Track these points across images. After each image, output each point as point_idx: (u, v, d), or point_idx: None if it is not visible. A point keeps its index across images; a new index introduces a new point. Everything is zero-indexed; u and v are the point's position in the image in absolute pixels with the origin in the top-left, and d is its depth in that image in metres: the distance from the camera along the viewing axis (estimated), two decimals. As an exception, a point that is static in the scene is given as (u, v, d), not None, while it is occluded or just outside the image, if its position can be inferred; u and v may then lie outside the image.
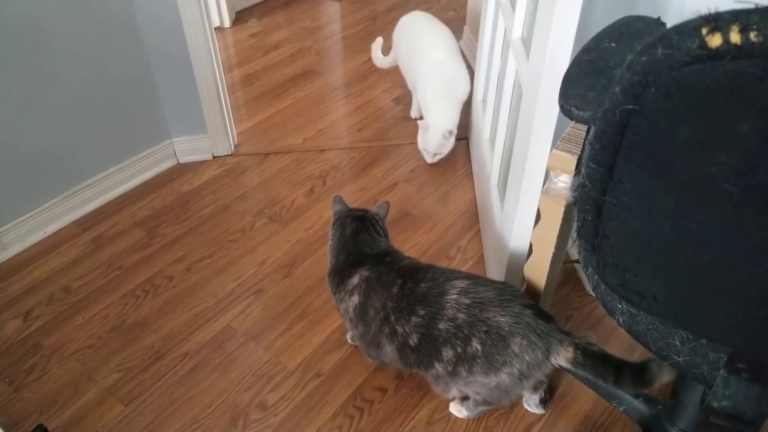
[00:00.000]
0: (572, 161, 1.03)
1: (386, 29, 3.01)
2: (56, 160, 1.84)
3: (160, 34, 1.88)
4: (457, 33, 2.66)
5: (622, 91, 0.67)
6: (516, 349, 1.14)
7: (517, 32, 1.39)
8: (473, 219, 1.91)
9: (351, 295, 1.30)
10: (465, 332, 1.16)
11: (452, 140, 2.04)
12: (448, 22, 2.28)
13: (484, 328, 1.15)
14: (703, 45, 0.57)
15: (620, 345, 1.48)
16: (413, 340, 1.22)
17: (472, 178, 2.07)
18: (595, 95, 0.92)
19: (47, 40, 1.68)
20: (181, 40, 1.90)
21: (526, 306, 1.16)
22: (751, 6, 0.54)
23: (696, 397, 1.11)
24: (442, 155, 2.07)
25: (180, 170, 2.14)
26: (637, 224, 0.77)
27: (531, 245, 1.24)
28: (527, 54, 1.27)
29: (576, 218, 0.93)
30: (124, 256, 1.80)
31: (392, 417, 1.38)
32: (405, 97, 2.46)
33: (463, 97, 2.09)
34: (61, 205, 1.89)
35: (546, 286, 1.27)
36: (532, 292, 1.29)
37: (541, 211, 1.14)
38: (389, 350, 1.28)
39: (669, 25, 0.62)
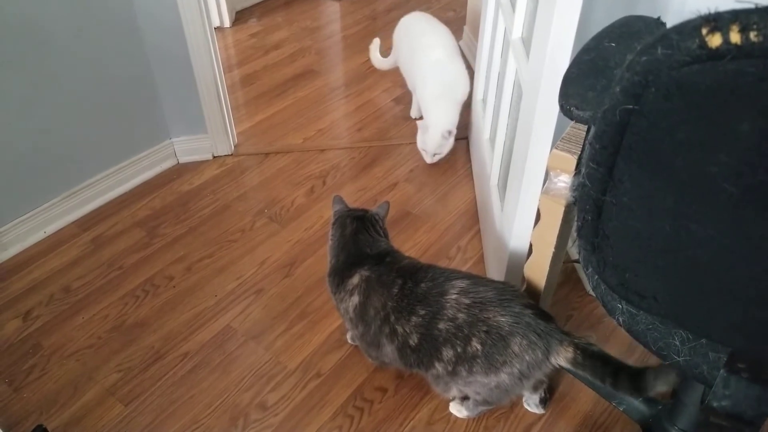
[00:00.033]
0: (572, 161, 1.03)
1: (386, 29, 3.01)
2: (56, 160, 1.84)
3: (160, 34, 1.89)
4: (457, 33, 2.66)
5: (622, 91, 0.67)
6: (516, 348, 1.14)
7: (517, 32, 1.39)
8: (473, 219, 1.91)
9: (351, 295, 1.30)
10: (465, 332, 1.16)
11: (451, 140, 2.04)
12: (448, 22, 2.28)
13: (484, 328, 1.15)
14: (703, 45, 0.57)
15: (620, 345, 1.48)
16: (413, 340, 1.22)
17: (472, 178, 2.07)
18: (595, 95, 0.92)
19: (47, 40, 1.68)
20: (181, 40, 1.90)
21: (526, 306, 1.16)
22: (751, 6, 0.54)
23: (696, 396, 1.11)
24: (442, 155, 2.07)
25: (180, 170, 2.14)
26: (637, 224, 0.77)
27: (531, 245, 1.24)
28: (527, 54, 1.27)
29: (576, 218, 0.93)
30: (124, 256, 1.80)
31: (392, 417, 1.38)
32: (405, 97, 2.46)
33: (463, 97, 2.09)
34: (61, 205, 1.89)
35: (546, 286, 1.27)
36: (532, 291, 1.29)
37: (541, 211, 1.14)
38: (389, 350, 1.28)
39: (669, 25, 0.62)
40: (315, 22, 3.15)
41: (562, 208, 1.09)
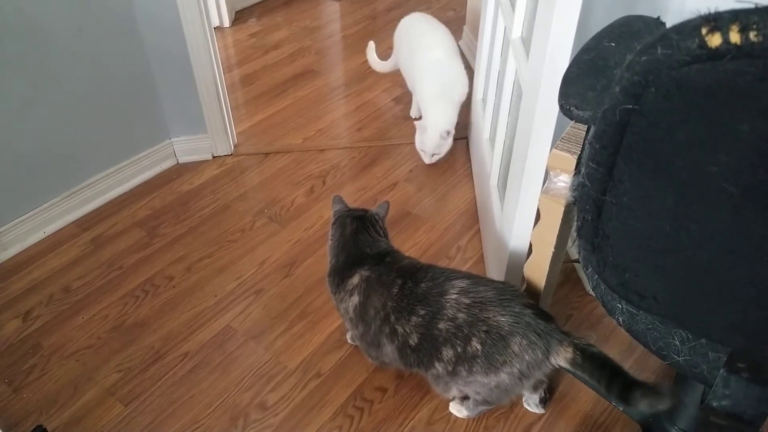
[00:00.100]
0: (572, 161, 1.03)
1: (386, 29, 3.01)
2: (56, 160, 1.84)
3: (159, 34, 1.88)
4: (457, 32, 2.67)
5: (622, 90, 0.67)
6: (516, 348, 1.14)
7: (516, 32, 1.39)
8: (473, 219, 1.91)
9: (351, 295, 1.30)
10: (465, 332, 1.16)
11: (450, 140, 2.04)
12: (447, 22, 2.28)
13: (484, 328, 1.15)
14: (703, 45, 0.57)
15: (620, 345, 1.48)
16: (413, 339, 1.22)
17: (472, 178, 2.07)
18: (594, 95, 0.92)
19: (47, 40, 1.68)
20: (180, 40, 1.90)
21: (526, 306, 1.16)
22: (751, 6, 0.54)
23: (696, 396, 1.11)
24: (440, 155, 2.07)
25: (180, 170, 2.14)
26: (637, 224, 0.77)
27: (531, 245, 1.24)
28: (527, 53, 1.27)
29: (576, 218, 0.93)
30: (124, 256, 1.80)
31: (392, 417, 1.38)
32: (405, 97, 2.46)
33: (461, 98, 2.10)
34: (61, 205, 1.89)
35: (546, 286, 1.27)
36: (532, 291, 1.29)
37: (540, 211, 1.14)
38: (389, 350, 1.28)
39: (669, 24, 0.62)
40: (315, 21, 3.15)
41: (562, 208, 1.09)
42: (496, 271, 1.56)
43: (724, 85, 0.59)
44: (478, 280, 1.22)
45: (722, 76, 0.58)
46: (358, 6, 3.29)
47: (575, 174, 1.04)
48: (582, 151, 1.02)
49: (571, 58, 1.04)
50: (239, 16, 3.17)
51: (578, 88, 0.95)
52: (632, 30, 1.05)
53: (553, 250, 1.18)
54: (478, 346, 1.15)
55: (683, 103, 0.63)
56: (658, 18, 1.07)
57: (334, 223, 1.40)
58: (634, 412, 1.30)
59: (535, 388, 1.32)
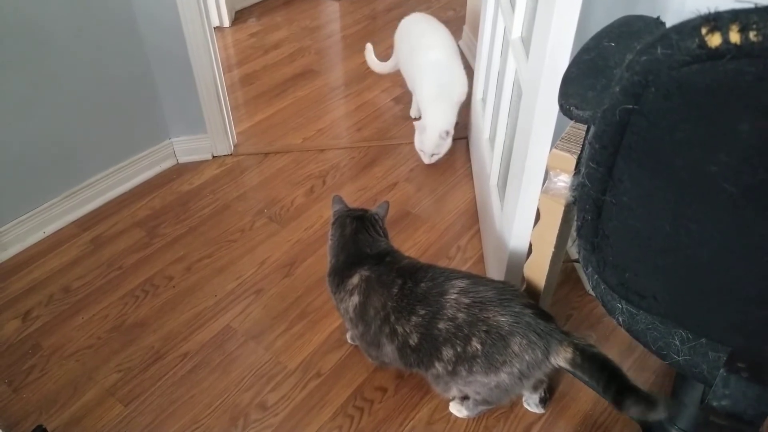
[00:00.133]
0: (572, 161, 1.03)
1: (386, 29, 3.01)
2: (56, 160, 1.84)
3: (159, 33, 1.88)
4: (457, 32, 2.67)
5: (621, 90, 0.67)
6: (516, 348, 1.14)
7: (516, 32, 1.39)
8: (473, 218, 1.91)
9: (351, 294, 1.30)
10: (465, 332, 1.16)
11: (449, 141, 2.04)
12: (447, 22, 2.28)
13: (484, 328, 1.15)
14: (703, 45, 0.57)
15: (620, 344, 1.48)
16: (413, 339, 1.22)
17: (472, 178, 2.07)
18: (594, 95, 0.92)
19: (47, 40, 1.68)
20: (180, 39, 1.90)
21: (526, 305, 1.16)
22: (751, 5, 0.54)
23: (696, 396, 1.11)
24: (440, 156, 2.07)
25: (180, 170, 2.14)
26: (637, 224, 0.77)
27: (531, 245, 1.24)
28: (527, 53, 1.27)
29: (576, 218, 0.93)
30: (123, 256, 1.80)
31: (392, 417, 1.38)
32: (404, 97, 2.46)
33: (460, 99, 2.10)
34: (61, 205, 1.89)
35: (546, 286, 1.27)
36: (531, 291, 1.29)
37: (540, 211, 1.14)
38: (389, 350, 1.28)
39: (668, 24, 0.62)
40: (314, 21, 3.15)
41: (562, 208, 1.09)
42: (495, 271, 1.56)
43: (724, 84, 0.59)
44: (478, 279, 1.22)
45: (722, 76, 0.58)
46: (358, 6, 3.29)
47: (575, 174, 1.04)
48: (582, 151, 1.02)
49: (571, 57, 1.04)
50: (239, 16, 3.17)
51: (578, 88, 0.95)
52: (632, 30, 1.05)
53: (553, 249, 1.18)
54: (478, 346, 1.15)
55: (683, 103, 0.63)
56: (658, 18, 1.07)
57: (333, 223, 1.40)
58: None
59: (535, 388, 1.32)
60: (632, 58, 0.64)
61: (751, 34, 0.54)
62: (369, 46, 2.48)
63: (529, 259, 1.26)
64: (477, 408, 1.34)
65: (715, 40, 0.56)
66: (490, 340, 1.14)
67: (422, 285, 1.22)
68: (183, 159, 2.17)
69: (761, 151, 0.60)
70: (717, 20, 0.55)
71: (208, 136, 2.14)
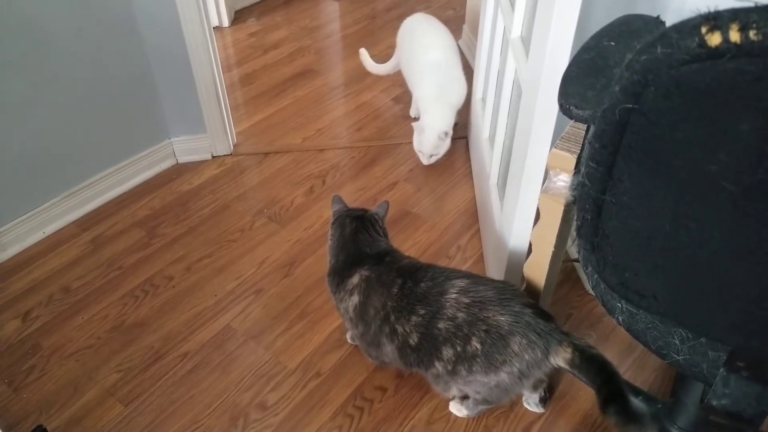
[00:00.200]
0: (572, 160, 1.03)
1: (385, 28, 3.01)
2: (56, 160, 1.84)
3: (159, 33, 1.88)
4: (456, 32, 2.66)
5: (621, 90, 0.67)
6: (515, 348, 1.14)
7: (516, 31, 1.39)
8: (473, 218, 1.91)
9: (351, 294, 1.30)
10: (465, 331, 1.16)
11: (448, 141, 2.04)
12: (447, 21, 2.28)
13: (484, 327, 1.15)
14: (703, 44, 0.57)
15: (620, 344, 1.48)
16: (413, 339, 1.22)
17: (472, 177, 2.07)
18: (594, 94, 0.92)
19: (47, 40, 1.68)
20: (179, 39, 1.90)
21: (526, 305, 1.16)
22: (751, 4, 0.54)
23: (696, 395, 1.11)
24: (438, 157, 2.07)
25: (179, 170, 2.14)
26: (637, 223, 0.77)
27: (530, 244, 1.24)
28: (526, 53, 1.27)
29: (575, 217, 0.93)
30: (123, 256, 1.80)
31: (392, 416, 1.38)
32: (404, 96, 2.45)
33: (459, 102, 2.10)
34: (61, 205, 1.89)
35: (545, 285, 1.27)
36: (531, 291, 1.29)
37: (540, 210, 1.14)
38: (389, 350, 1.28)
39: (668, 23, 0.62)
40: (314, 21, 3.15)
41: (562, 207, 1.09)
42: (495, 271, 1.56)
43: (724, 84, 0.59)
44: (477, 279, 1.22)
45: (722, 75, 0.58)
46: (358, 6, 3.29)
47: (575, 173, 1.04)
48: (582, 151, 1.02)
49: (571, 57, 1.04)
50: (238, 16, 3.17)
51: (578, 87, 0.95)
52: (632, 29, 1.05)
53: (552, 249, 1.18)
54: (478, 346, 1.15)
55: (683, 102, 0.63)
56: (658, 17, 1.07)
57: (333, 223, 1.40)
58: (634, 412, 1.30)
59: (534, 388, 1.32)
60: (632, 58, 0.64)
61: (751, 33, 0.54)
62: (363, 51, 2.48)
63: (528, 259, 1.26)
64: (477, 407, 1.34)
65: (715, 39, 0.56)
66: (490, 339, 1.14)
67: (422, 285, 1.22)
68: (183, 159, 2.17)
69: (761, 151, 0.60)
70: (717, 19, 0.55)
71: (208, 136, 2.14)
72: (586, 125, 1.03)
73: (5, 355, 1.53)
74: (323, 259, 1.47)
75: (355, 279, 1.30)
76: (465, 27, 2.79)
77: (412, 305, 1.21)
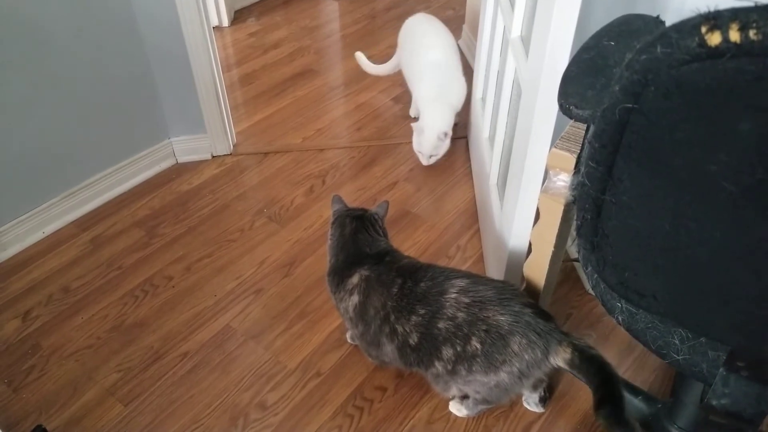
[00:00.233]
0: (571, 160, 1.03)
1: (385, 28, 3.01)
2: (55, 160, 1.84)
3: (158, 33, 1.88)
4: (456, 31, 2.66)
5: (621, 89, 0.67)
6: (515, 348, 1.14)
7: (516, 31, 1.39)
8: (473, 218, 1.91)
9: (351, 294, 1.30)
10: (464, 331, 1.16)
11: (447, 142, 2.04)
12: (446, 21, 2.28)
13: (484, 327, 1.15)
14: (703, 43, 0.57)
15: (620, 343, 1.48)
16: (413, 339, 1.22)
17: (472, 177, 2.07)
18: (594, 94, 0.92)
19: (47, 40, 1.68)
20: (179, 39, 1.90)
21: (526, 305, 1.16)
22: (751, 4, 0.54)
23: (695, 395, 1.11)
24: (438, 157, 2.07)
25: (179, 170, 2.14)
26: (637, 223, 0.77)
27: (530, 244, 1.24)
28: (526, 52, 1.27)
29: (575, 217, 0.93)
30: (123, 256, 1.80)
31: (392, 416, 1.38)
32: (404, 96, 2.45)
33: (458, 102, 2.10)
34: (60, 205, 1.89)
35: (545, 285, 1.27)
36: (531, 290, 1.29)
37: (540, 210, 1.14)
38: (389, 349, 1.28)
39: (668, 23, 0.62)
40: (314, 21, 3.15)
41: (562, 207, 1.09)
42: (495, 271, 1.56)
43: (724, 83, 0.59)
44: (477, 279, 1.22)
45: (722, 75, 0.58)
46: (357, 5, 3.29)
47: (575, 173, 1.04)
48: (581, 150, 1.02)
49: (571, 56, 1.04)
50: (238, 16, 3.17)
51: (578, 87, 0.95)
52: (632, 29, 1.05)
53: (552, 249, 1.18)
54: (478, 345, 1.15)
55: (683, 102, 0.63)
56: (658, 17, 1.07)
57: (333, 223, 1.40)
58: (634, 411, 1.30)
59: (534, 387, 1.32)
60: (632, 57, 0.64)
61: (751, 33, 0.54)
62: (359, 55, 2.48)
63: (528, 259, 1.26)
64: (477, 407, 1.34)
65: (714, 39, 0.56)
66: (490, 339, 1.14)
67: (422, 284, 1.22)
68: (182, 159, 2.16)
69: (761, 151, 0.60)
70: (717, 19, 0.55)
71: (208, 136, 2.14)
72: (585, 125, 1.03)
73: (5, 355, 1.53)
74: (323, 258, 1.47)
75: (354, 279, 1.30)
76: (465, 27, 2.79)
77: (412, 305, 1.21)
